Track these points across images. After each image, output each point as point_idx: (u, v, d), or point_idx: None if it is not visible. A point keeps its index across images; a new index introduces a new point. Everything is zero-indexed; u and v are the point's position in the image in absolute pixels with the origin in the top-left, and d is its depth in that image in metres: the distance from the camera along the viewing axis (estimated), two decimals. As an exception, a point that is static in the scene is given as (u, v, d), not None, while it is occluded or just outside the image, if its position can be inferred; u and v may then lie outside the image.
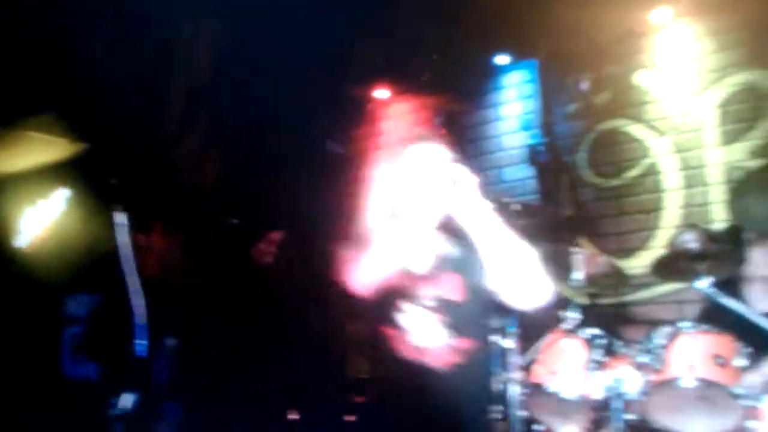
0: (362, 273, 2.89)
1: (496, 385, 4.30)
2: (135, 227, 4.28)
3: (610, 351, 4.12)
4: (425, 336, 2.71)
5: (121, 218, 4.19)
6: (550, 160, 6.00)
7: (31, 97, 5.69)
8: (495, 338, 4.37)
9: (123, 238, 4.19)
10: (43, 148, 6.10)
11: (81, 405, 4.87)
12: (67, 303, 6.40)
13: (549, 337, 4.30)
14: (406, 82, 6.81)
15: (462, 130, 6.59)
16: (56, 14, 5.20)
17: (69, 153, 6.19)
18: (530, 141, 6.15)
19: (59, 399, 5.47)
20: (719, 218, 5.24)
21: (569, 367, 4.10)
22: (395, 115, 6.97)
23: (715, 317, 4.23)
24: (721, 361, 3.76)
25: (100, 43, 5.54)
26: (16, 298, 6.10)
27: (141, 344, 4.23)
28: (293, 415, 5.59)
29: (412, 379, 2.76)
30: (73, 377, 5.63)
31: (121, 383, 4.44)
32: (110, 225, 4.20)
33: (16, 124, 5.85)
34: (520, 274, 2.59)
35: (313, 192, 6.95)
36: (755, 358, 3.86)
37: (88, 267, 5.60)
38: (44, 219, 6.18)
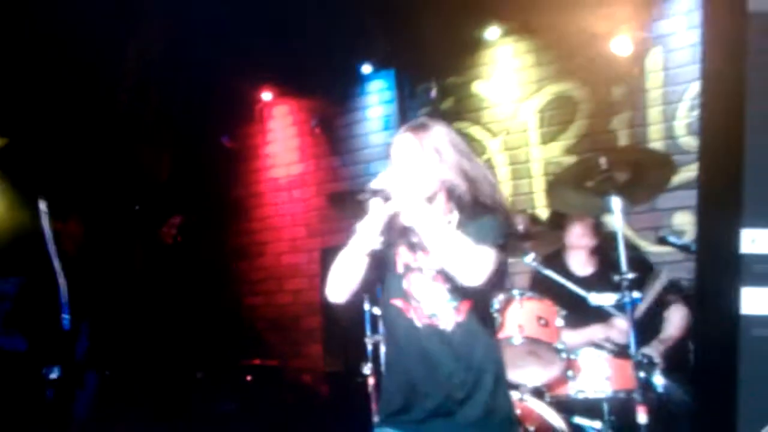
0: None
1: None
2: (55, 214, 4.23)
3: None
4: None
5: (43, 206, 4.14)
6: None
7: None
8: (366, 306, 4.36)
9: (45, 224, 4.14)
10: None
11: (12, 375, 4.77)
12: (-2, 284, 6.22)
13: None
14: (288, 86, 6.76)
15: (334, 129, 6.58)
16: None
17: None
18: (390, 140, 6.18)
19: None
20: (541, 204, 5.38)
21: None
22: (278, 114, 6.96)
23: (539, 285, 4.35)
24: (543, 322, 3.85)
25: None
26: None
27: (65, 319, 4.19)
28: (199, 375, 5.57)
29: None
30: (4, 349, 5.50)
31: (48, 354, 4.39)
32: (35, 212, 4.14)
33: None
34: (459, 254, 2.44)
35: (209, 180, 6.91)
36: (570, 319, 3.97)
37: (17, 249, 5.46)
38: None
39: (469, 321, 2.57)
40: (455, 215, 2.64)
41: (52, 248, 4.20)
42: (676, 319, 4.27)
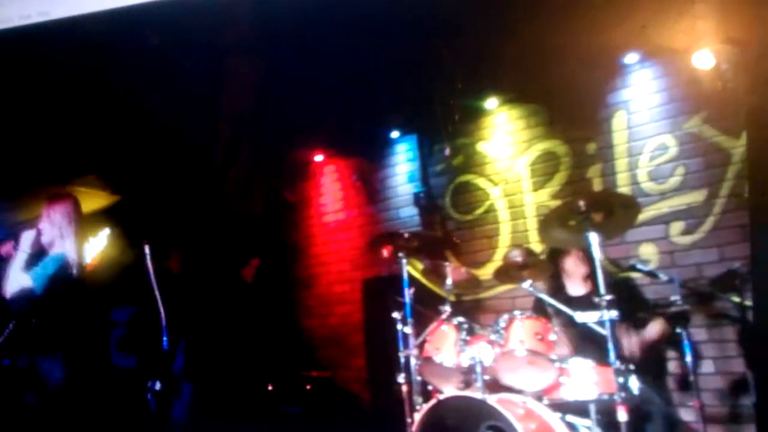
0: None
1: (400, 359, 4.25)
2: (156, 256, 4.23)
3: (471, 332, 4.05)
4: None
5: (146, 249, 4.14)
6: (428, 203, 6.03)
7: (81, 157, 5.48)
8: (398, 326, 4.30)
9: (148, 264, 4.14)
10: (90, 200, 5.97)
11: (125, 387, 4.77)
12: (113, 312, 6.26)
13: (433, 324, 4.20)
14: (335, 149, 6.77)
15: (371, 182, 6.57)
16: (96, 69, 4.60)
17: (108, 203, 6.06)
18: (415, 190, 6.17)
19: (109, 382, 5.36)
20: (534, 240, 5.30)
21: (447, 344, 4.03)
22: (327, 172, 6.96)
23: (537, 307, 4.36)
24: (540, 337, 3.77)
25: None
26: (79, 309, 5.96)
27: (164, 341, 4.17)
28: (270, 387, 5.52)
29: None
30: (119, 366, 5.51)
31: (152, 370, 4.38)
32: (141, 254, 4.15)
33: (71, 182, 5.70)
34: None
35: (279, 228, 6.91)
36: (561, 334, 3.93)
37: (127, 285, 5.49)
38: (95, 251, 6.05)
39: None
40: None
41: (154, 283, 4.19)
42: (655, 328, 4.18)
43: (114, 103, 4.98)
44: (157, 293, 4.16)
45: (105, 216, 5.97)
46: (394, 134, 6.37)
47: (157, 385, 4.32)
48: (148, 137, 5.43)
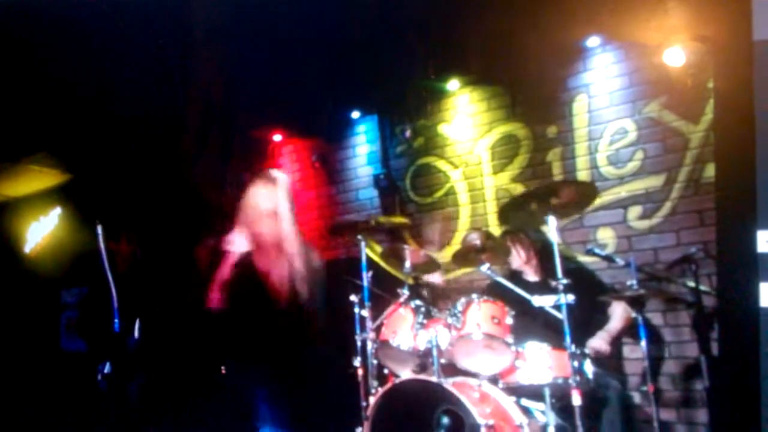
0: None
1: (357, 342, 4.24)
2: (109, 236, 4.14)
3: (429, 315, 4.06)
4: None
5: (99, 229, 4.06)
6: (387, 185, 5.99)
7: (33, 135, 5.35)
8: (356, 309, 4.30)
9: (100, 244, 4.05)
10: (40, 178, 5.83)
11: (75, 370, 4.68)
12: (62, 294, 6.14)
13: (390, 308, 4.20)
14: (294, 129, 6.67)
15: (330, 163, 6.49)
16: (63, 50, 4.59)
17: (61, 181, 5.91)
18: (374, 171, 6.13)
19: (58, 366, 5.25)
20: (493, 224, 5.31)
21: (404, 328, 4.03)
22: (286, 152, 6.86)
23: (494, 290, 4.34)
24: (497, 321, 3.79)
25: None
26: (24, 291, 5.82)
27: (117, 323, 4.10)
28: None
29: None
30: (69, 350, 5.41)
31: (104, 353, 4.31)
32: (93, 235, 4.06)
33: (21, 159, 5.57)
34: None
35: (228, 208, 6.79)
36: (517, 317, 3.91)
37: (78, 266, 5.37)
38: (45, 230, 5.89)
39: None
40: None
41: (106, 264, 4.10)
42: (618, 313, 4.22)
43: (65, 80, 4.86)
44: (109, 274, 4.07)
45: (56, 195, 5.83)
46: (355, 115, 6.30)
47: (107, 368, 4.26)
48: (103, 115, 5.31)
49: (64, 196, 5.83)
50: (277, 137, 6.80)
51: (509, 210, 4.28)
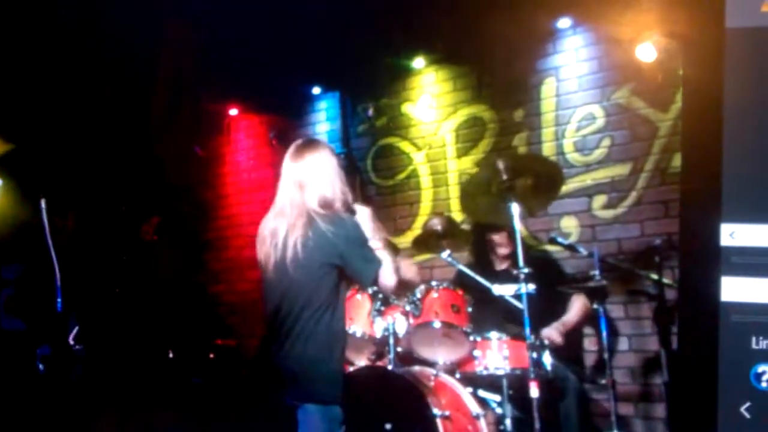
0: None
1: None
2: (53, 211, 4.02)
3: (386, 303, 3.97)
4: None
5: (43, 204, 3.93)
6: (347, 165, 5.78)
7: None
8: None
9: (44, 219, 3.93)
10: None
11: (12, 351, 4.50)
12: (1, 270, 5.92)
13: (347, 293, 4.07)
14: (251, 104, 6.48)
15: (288, 140, 6.30)
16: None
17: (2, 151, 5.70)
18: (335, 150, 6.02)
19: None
20: (456, 209, 5.20)
21: (360, 314, 3.95)
22: (242, 128, 6.69)
23: (456, 279, 4.29)
24: (456, 309, 3.74)
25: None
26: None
27: (59, 302, 4.00)
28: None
29: None
30: (6, 329, 5.21)
31: (43, 333, 4.18)
32: (36, 209, 3.93)
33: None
34: None
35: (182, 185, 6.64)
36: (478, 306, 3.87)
37: (18, 241, 5.18)
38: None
39: None
40: None
41: (49, 240, 3.94)
42: (576, 306, 4.16)
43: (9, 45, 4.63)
44: (52, 251, 3.92)
45: (-1, 165, 5.62)
46: (315, 90, 6.15)
47: (47, 350, 4.14)
48: (50, 81, 5.09)
49: (6, 168, 5.63)
50: (233, 111, 6.61)
51: (469, 194, 4.21)
